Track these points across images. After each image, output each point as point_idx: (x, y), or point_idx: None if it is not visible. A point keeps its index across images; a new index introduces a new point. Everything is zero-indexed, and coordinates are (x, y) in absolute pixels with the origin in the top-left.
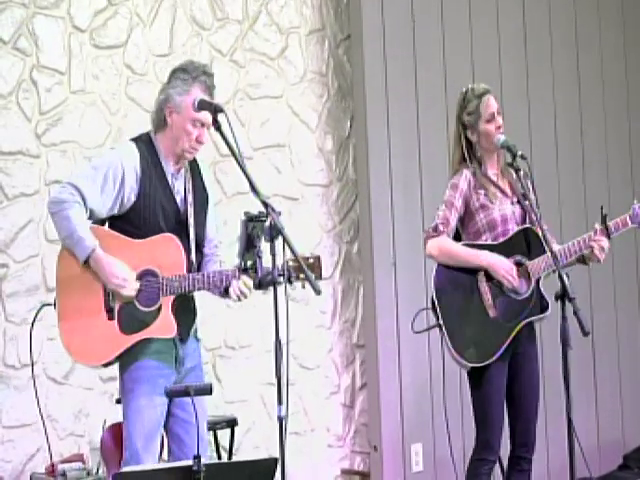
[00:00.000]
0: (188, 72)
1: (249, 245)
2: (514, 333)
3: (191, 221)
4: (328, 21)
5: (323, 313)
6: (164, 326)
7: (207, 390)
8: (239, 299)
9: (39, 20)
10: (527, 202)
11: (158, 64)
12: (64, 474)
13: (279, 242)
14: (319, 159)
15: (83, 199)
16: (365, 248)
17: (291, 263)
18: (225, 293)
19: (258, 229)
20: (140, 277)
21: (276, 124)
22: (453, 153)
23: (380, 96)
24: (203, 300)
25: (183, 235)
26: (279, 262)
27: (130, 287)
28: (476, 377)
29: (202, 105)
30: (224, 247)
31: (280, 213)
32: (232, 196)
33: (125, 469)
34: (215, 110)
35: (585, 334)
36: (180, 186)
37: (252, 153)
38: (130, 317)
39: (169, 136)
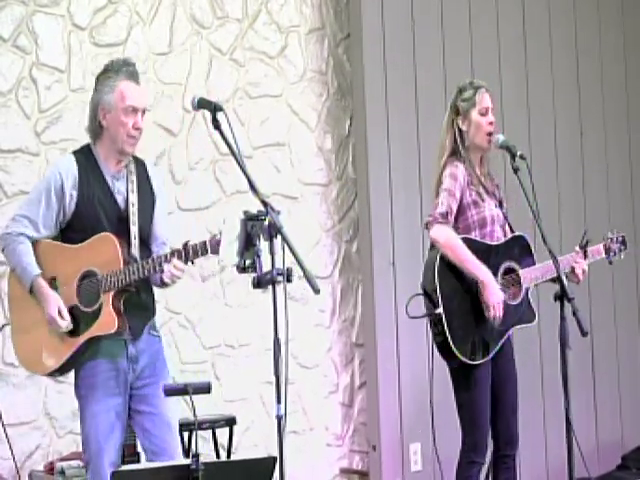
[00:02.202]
0: (110, 70)
1: (248, 244)
2: (504, 337)
3: (133, 219)
4: (328, 20)
5: (322, 312)
6: (105, 322)
7: (205, 389)
8: (173, 281)
9: (39, 18)
10: (502, 210)
11: (158, 62)
12: (63, 472)
13: (278, 241)
14: (318, 158)
15: (33, 225)
16: (364, 247)
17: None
18: (162, 284)
19: (257, 228)
20: (82, 279)
21: (275, 123)
22: (442, 142)
23: (379, 95)
24: (201, 299)
25: (125, 233)
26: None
27: (64, 324)
28: (463, 378)
29: (201, 104)
30: (223, 245)
31: (279, 212)
32: (231, 195)
33: (123, 468)
34: (214, 109)
35: (584, 334)
36: (122, 186)
37: (251, 152)
38: (75, 320)
39: (107, 138)
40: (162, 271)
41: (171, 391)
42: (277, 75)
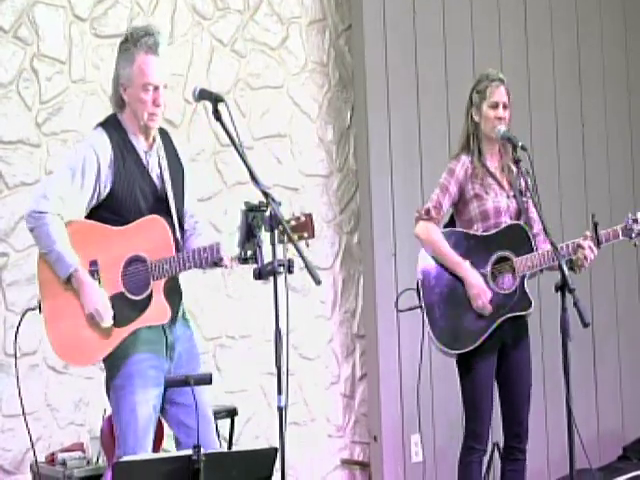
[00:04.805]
0: (129, 41)
1: (249, 235)
2: (494, 326)
3: (171, 197)
4: (329, 11)
5: (323, 303)
6: (158, 312)
7: (207, 380)
8: (232, 267)
9: (40, 9)
10: (524, 199)
11: None
12: (64, 463)
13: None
14: (320, 149)
15: (65, 204)
16: (365, 238)
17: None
18: (214, 264)
19: (258, 219)
20: (128, 265)
21: (277, 114)
22: (460, 133)
23: (381, 86)
24: (203, 290)
25: (164, 213)
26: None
27: (106, 320)
28: (464, 367)
29: (202, 94)
30: (225, 236)
31: (280, 203)
32: (232, 186)
33: (125, 458)
34: (215, 100)
35: (585, 325)
36: (154, 163)
37: (253, 143)
38: (121, 309)
39: (130, 112)
40: (219, 259)
41: (172, 382)
42: (278, 66)
